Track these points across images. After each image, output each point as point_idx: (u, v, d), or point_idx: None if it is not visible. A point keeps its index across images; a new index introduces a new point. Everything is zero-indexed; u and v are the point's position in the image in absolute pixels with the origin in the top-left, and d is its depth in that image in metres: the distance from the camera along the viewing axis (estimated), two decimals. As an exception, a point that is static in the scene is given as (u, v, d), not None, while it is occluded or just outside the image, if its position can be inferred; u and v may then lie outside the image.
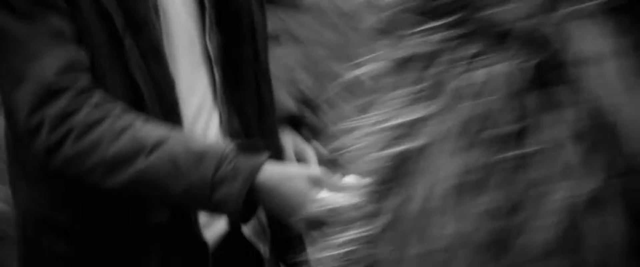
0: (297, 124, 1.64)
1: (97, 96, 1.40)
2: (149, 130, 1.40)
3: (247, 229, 1.56)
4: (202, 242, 1.52)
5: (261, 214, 1.55)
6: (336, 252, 0.74)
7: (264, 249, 1.60)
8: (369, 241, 0.68)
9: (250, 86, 1.55)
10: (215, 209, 1.39)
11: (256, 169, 1.36)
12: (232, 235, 1.56)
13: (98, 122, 1.38)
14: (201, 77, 1.52)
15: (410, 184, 0.63)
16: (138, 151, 1.37)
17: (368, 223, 0.68)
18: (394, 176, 0.65)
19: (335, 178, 1.38)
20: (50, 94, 1.37)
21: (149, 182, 1.38)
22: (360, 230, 0.73)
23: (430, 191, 0.61)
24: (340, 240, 0.73)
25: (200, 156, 1.37)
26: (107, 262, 1.51)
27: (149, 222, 1.49)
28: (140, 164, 1.37)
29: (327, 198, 1.33)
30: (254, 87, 1.55)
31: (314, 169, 1.44)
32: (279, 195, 1.36)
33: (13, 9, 1.36)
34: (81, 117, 1.38)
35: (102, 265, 1.52)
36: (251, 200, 1.36)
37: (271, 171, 1.36)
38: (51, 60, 1.37)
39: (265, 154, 1.39)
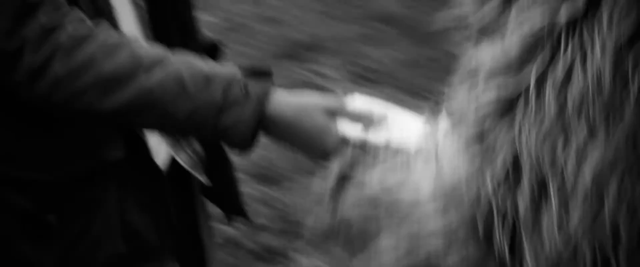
0: (216, 53, 1.55)
1: (77, 10, 1.25)
2: (147, 47, 1.28)
3: (183, 160, 1.47)
4: (158, 171, 1.43)
5: (196, 144, 1.49)
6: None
7: (203, 178, 1.51)
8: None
9: (175, 15, 1.46)
10: (220, 134, 1.25)
11: (267, 95, 1.24)
12: (176, 163, 1.47)
13: (88, 37, 1.23)
14: (128, 9, 1.40)
15: None
16: (138, 67, 1.22)
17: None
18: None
19: (348, 103, 1.27)
20: (25, 9, 1.21)
21: (150, 104, 1.23)
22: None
23: None
24: None
25: (207, 78, 1.24)
26: (66, 210, 1.37)
27: (105, 161, 1.36)
28: (142, 81, 1.22)
29: (350, 132, 1.22)
30: (179, 16, 1.47)
31: (326, 97, 1.30)
32: (296, 128, 1.24)
33: None
34: (68, 32, 1.22)
35: (61, 214, 1.37)
36: (258, 128, 1.25)
37: (284, 100, 1.25)
38: None
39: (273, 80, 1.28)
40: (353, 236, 0.98)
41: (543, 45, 0.68)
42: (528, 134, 0.67)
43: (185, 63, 1.25)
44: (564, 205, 0.65)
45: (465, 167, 0.71)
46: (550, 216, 0.65)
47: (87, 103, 1.23)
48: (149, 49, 1.26)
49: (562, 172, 0.66)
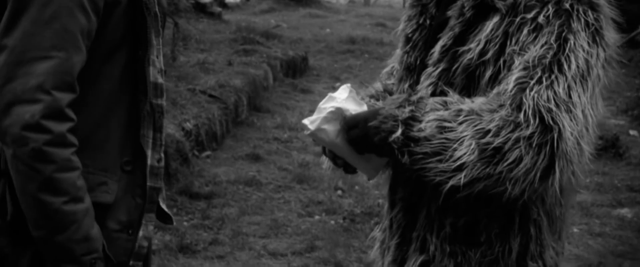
0: None
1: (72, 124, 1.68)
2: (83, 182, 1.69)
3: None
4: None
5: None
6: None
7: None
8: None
9: None
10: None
11: None
12: None
13: (68, 146, 1.64)
14: None
15: None
16: (73, 192, 1.64)
17: None
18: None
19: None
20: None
21: (52, 218, 1.65)
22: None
23: None
24: None
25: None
26: None
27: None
28: (65, 205, 1.64)
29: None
30: None
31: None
32: None
33: None
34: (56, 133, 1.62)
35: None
36: None
37: None
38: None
39: None
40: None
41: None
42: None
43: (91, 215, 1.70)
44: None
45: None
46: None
47: (23, 173, 1.62)
48: (84, 185, 1.68)
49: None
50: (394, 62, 2.03)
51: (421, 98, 1.68)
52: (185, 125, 6.08)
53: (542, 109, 1.57)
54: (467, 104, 1.63)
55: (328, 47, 11.83)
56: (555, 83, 1.58)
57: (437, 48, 1.75)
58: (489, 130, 1.57)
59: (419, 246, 1.80)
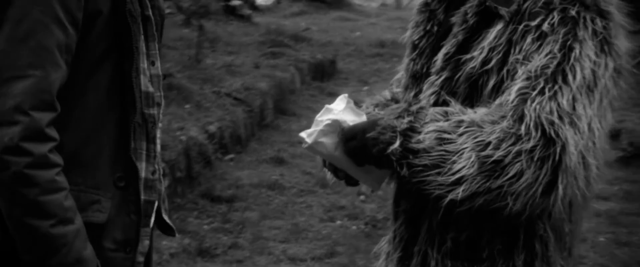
0: None
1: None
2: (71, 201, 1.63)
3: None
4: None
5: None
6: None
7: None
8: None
9: None
10: None
11: None
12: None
13: (53, 166, 1.59)
14: None
15: None
16: (62, 214, 1.60)
17: None
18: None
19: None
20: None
21: (41, 240, 1.61)
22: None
23: None
24: None
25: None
26: None
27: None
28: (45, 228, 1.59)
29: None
30: None
31: None
32: None
33: None
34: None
35: None
36: None
37: None
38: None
39: None
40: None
41: None
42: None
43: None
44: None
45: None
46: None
47: (6, 198, 1.58)
48: (73, 205, 1.62)
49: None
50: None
51: (421, 108, 1.62)
52: (208, 128, 6.06)
53: (545, 122, 1.51)
54: (469, 115, 1.57)
55: (357, 50, 11.77)
56: (559, 94, 1.52)
57: (440, 56, 1.70)
58: (489, 143, 1.51)
59: (420, 261, 1.74)
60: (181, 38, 8.30)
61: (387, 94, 2.00)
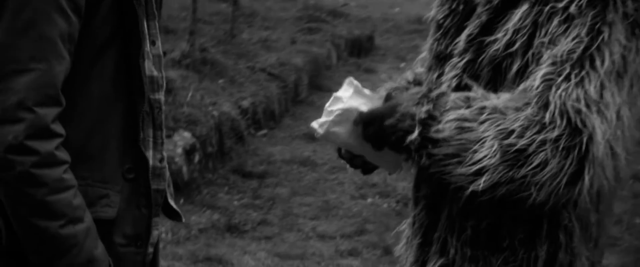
0: None
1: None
2: (80, 198, 1.56)
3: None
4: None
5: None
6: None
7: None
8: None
9: None
10: None
11: None
12: None
13: (58, 164, 1.52)
14: None
15: None
16: (70, 214, 1.54)
17: None
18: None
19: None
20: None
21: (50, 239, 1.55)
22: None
23: None
24: None
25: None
26: None
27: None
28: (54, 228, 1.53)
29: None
30: None
31: None
32: None
33: None
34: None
35: None
36: None
37: None
38: None
39: None
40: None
41: None
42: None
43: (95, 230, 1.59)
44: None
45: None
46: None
47: (12, 198, 1.52)
48: (82, 203, 1.55)
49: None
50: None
51: (442, 94, 1.56)
52: (241, 103, 6.05)
53: (570, 110, 1.44)
54: (491, 101, 1.51)
55: (396, 26, 11.65)
56: (586, 80, 1.44)
57: (463, 37, 1.63)
58: (512, 131, 1.45)
59: (439, 248, 1.69)
60: (219, 12, 8.28)
61: (409, 75, 1.94)
